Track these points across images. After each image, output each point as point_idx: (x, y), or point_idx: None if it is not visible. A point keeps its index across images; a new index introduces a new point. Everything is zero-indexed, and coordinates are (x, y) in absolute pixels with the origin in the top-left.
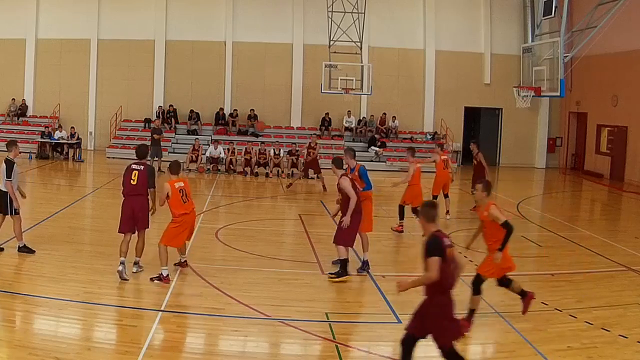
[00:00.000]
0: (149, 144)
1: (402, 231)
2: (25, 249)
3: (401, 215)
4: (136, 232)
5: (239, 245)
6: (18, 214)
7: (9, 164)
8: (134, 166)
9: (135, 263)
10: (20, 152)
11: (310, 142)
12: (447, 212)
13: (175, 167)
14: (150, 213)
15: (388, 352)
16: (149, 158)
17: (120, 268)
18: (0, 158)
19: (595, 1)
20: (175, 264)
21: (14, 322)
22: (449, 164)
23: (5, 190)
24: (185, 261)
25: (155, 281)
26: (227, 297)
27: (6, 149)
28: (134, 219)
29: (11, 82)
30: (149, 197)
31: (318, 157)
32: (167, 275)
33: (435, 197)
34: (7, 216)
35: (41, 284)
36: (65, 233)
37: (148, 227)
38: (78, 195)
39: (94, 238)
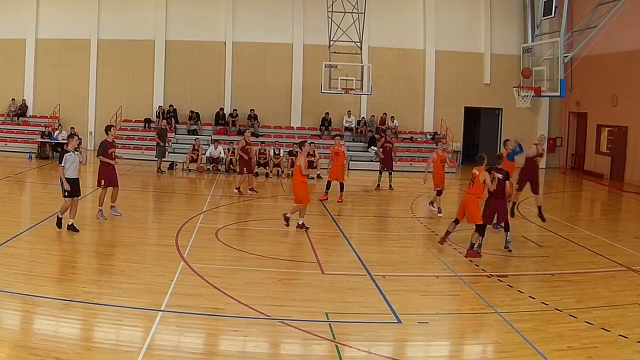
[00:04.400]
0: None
1: None
2: (72, 228)
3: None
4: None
5: (239, 245)
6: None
7: (62, 153)
8: None
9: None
10: (79, 144)
11: (244, 138)
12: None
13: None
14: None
15: (388, 352)
16: (156, 157)
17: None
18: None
19: (595, 1)
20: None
21: (14, 322)
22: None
23: (74, 177)
24: None
25: None
26: (227, 297)
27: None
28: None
29: (11, 82)
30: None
31: (252, 157)
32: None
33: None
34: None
35: (41, 284)
36: (65, 233)
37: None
38: None
39: (94, 238)
